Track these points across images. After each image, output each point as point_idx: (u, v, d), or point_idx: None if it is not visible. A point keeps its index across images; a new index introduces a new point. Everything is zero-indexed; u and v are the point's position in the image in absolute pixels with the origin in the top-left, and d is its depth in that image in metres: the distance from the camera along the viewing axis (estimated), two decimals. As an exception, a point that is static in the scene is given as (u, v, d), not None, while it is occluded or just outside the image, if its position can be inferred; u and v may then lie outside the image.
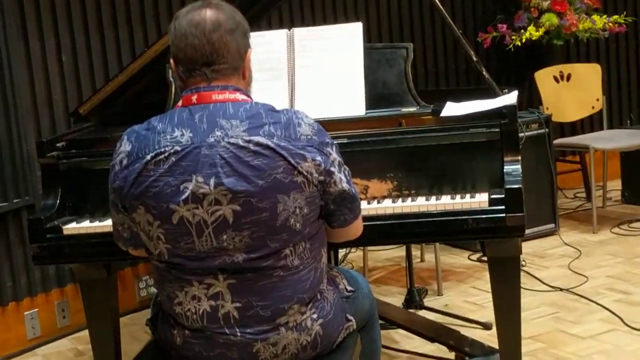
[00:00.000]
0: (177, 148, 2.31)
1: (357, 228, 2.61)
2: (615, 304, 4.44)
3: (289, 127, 2.34)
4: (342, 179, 2.42)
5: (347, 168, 2.47)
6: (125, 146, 2.40)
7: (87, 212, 3.36)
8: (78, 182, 3.37)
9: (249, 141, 2.30)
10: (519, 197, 2.94)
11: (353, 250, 5.47)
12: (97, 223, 3.25)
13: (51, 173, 3.39)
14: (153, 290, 5.00)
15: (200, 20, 2.40)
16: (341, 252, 5.14)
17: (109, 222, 3.18)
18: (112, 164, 2.43)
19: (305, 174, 2.32)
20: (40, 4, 4.57)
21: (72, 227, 3.25)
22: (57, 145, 3.43)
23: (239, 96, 2.41)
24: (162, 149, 2.32)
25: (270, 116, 2.35)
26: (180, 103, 2.44)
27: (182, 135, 2.33)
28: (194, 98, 2.40)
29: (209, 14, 2.41)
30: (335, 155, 2.42)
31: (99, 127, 3.82)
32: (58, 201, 3.35)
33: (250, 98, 2.46)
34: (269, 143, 2.30)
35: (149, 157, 2.33)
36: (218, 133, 2.31)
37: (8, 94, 4.32)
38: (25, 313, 4.57)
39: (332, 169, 2.39)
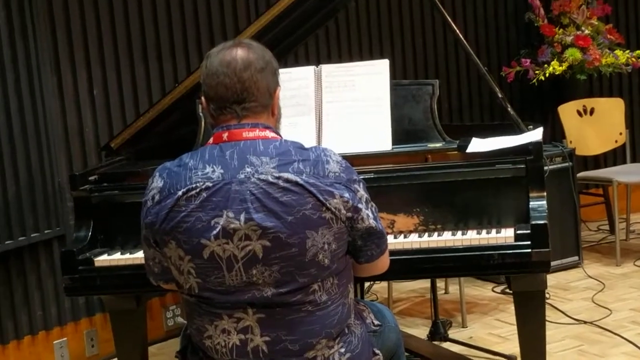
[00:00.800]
0: (209, 184, 2.33)
1: (383, 263, 2.61)
2: (639, 337, 4.40)
3: (318, 165, 2.36)
4: (369, 216, 2.43)
5: (374, 205, 2.49)
6: (157, 182, 2.42)
7: (118, 244, 3.39)
8: (109, 215, 3.40)
9: (278, 178, 2.32)
10: (545, 233, 2.94)
11: (378, 281, 5.46)
12: (127, 255, 3.28)
13: (83, 206, 3.42)
14: (180, 320, 5.01)
15: (232, 59, 2.42)
16: (366, 283, 5.13)
17: (139, 254, 3.21)
18: (144, 200, 2.45)
19: (334, 210, 2.34)
20: (72, 38, 4.62)
21: (103, 259, 3.28)
22: (90, 178, 3.47)
23: (269, 134, 2.44)
24: (194, 185, 2.34)
25: (299, 153, 2.37)
26: (211, 140, 2.45)
27: (213, 171, 2.35)
28: (225, 135, 2.42)
29: (239, 53, 2.44)
30: (362, 192, 2.43)
31: (130, 161, 3.86)
32: (90, 233, 3.38)
33: (280, 135, 2.49)
34: (298, 180, 2.32)
35: (180, 192, 2.35)
36: (248, 169, 2.33)
37: (40, 126, 4.36)
38: (55, 342, 4.58)
39: (360, 205, 2.40)
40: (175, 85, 3.86)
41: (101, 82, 4.75)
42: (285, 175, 2.32)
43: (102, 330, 4.71)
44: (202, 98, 2.50)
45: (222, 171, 2.34)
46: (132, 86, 4.87)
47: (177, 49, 5.02)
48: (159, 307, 5.00)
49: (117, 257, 3.28)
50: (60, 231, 4.47)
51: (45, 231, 4.42)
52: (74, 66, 4.65)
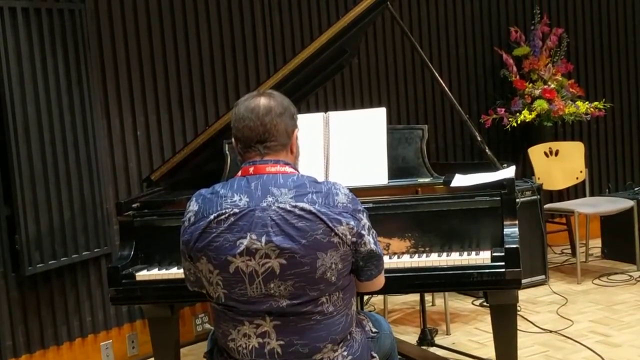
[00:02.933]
0: (236, 210, 2.34)
1: (380, 281, 2.60)
2: (596, 345, 4.38)
3: (329, 196, 2.36)
4: (370, 241, 2.43)
5: (374, 231, 2.48)
6: (193, 206, 2.43)
7: (156, 261, 3.39)
8: (149, 237, 3.40)
9: (295, 206, 2.32)
10: (517, 255, 2.94)
11: (375, 294, 5.43)
12: (164, 271, 3.28)
13: (127, 229, 3.43)
14: (207, 326, 5.00)
15: (255, 106, 2.44)
16: (365, 296, 5.11)
17: (174, 271, 3.22)
18: (183, 220, 2.46)
19: (341, 235, 2.34)
20: (120, 88, 4.65)
21: (143, 274, 3.28)
22: (133, 205, 3.48)
23: (288, 169, 2.44)
24: (223, 210, 2.35)
25: (313, 186, 2.37)
26: (240, 173, 2.46)
27: (240, 199, 2.36)
28: (251, 169, 2.43)
29: (262, 101, 2.45)
30: (365, 221, 2.43)
31: (167, 191, 3.86)
32: (132, 252, 3.38)
33: (298, 171, 2.49)
34: (312, 209, 2.32)
35: (212, 217, 2.35)
36: (270, 199, 2.34)
37: (92, 161, 4.38)
38: (102, 343, 4.57)
39: (363, 232, 2.40)
40: (206, 128, 3.87)
41: (144, 125, 4.77)
42: (301, 204, 2.32)
43: (142, 333, 4.70)
44: (233, 139, 2.51)
45: (247, 199, 2.35)
46: (170, 128, 4.89)
47: (207, 97, 5.04)
48: (190, 315, 4.99)
49: (154, 273, 3.28)
50: (107, 250, 4.47)
51: (95, 250, 4.41)
52: (121, 111, 4.67)
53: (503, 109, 6.20)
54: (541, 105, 6.08)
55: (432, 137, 6.20)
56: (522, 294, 5.33)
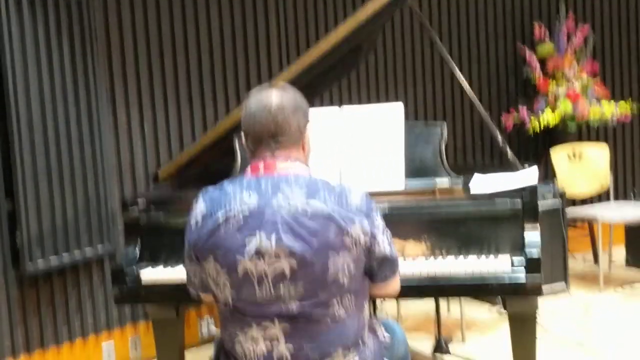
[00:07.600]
0: (245, 208, 2.33)
1: (395, 285, 2.59)
2: (619, 356, 4.36)
3: (342, 196, 2.35)
4: (384, 241, 2.42)
5: (388, 231, 2.47)
6: (200, 206, 2.42)
7: (161, 260, 3.39)
8: (155, 235, 3.41)
9: (306, 205, 2.31)
10: (538, 262, 2.94)
11: (388, 299, 5.43)
12: (169, 269, 3.29)
13: (132, 226, 3.44)
14: (214, 329, 5.00)
15: (267, 100, 2.43)
16: (378, 301, 5.10)
17: (179, 269, 3.22)
18: (188, 219, 2.45)
19: (354, 236, 2.32)
20: (128, 83, 4.66)
21: (148, 274, 3.29)
22: (138, 203, 3.48)
23: (300, 168, 2.43)
24: (232, 209, 2.34)
25: (325, 186, 2.36)
26: (248, 170, 2.46)
27: (250, 197, 2.35)
28: (261, 166, 2.42)
29: (274, 95, 2.44)
30: (379, 222, 2.42)
31: (174, 189, 3.87)
32: (137, 250, 3.39)
33: (309, 170, 2.48)
34: (324, 208, 2.31)
35: (220, 215, 2.35)
36: (280, 197, 2.33)
37: (97, 157, 4.39)
38: (103, 344, 4.59)
39: (377, 232, 2.39)
40: (216, 124, 3.86)
41: (151, 120, 4.79)
42: (313, 203, 2.31)
43: (145, 335, 4.71)
44: (242, 134, 2.51)
45: (257, 198, 2.34)
46: (178, 124, 4.89)
47: (217, 92, 5.05)
48: (195, 317, 5.00)
49: (160, 272, 3.29)
50: (111, 248, 4.48)
51: (98, 247, 4.43)
52: (128, 105, 4.68)
53: (524, 107, 6.17)
54: (565, 105, 6.05)
55: (451, 136, 6.18)
56: (542, 302, 5.29)
